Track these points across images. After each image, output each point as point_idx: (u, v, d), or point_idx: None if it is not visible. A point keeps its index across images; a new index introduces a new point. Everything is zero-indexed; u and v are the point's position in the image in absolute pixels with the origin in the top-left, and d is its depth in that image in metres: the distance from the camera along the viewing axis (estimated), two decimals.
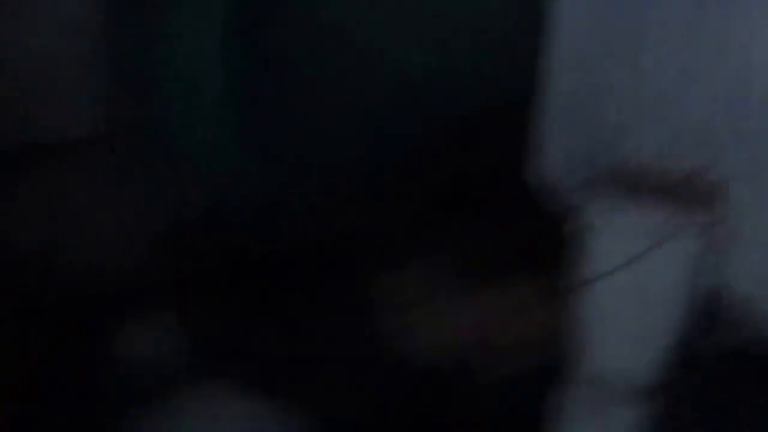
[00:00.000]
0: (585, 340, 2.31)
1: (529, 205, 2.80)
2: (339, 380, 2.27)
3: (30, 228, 2.27)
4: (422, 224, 2.42)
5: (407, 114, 2.45)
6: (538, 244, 2.49)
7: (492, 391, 2.27)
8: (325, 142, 2.30)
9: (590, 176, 2.34)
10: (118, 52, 2.59)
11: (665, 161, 2.48)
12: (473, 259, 2.40)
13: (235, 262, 2.28)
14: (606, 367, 2.31)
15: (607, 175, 2.29)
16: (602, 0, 2.64)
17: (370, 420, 2.20)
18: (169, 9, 2.37)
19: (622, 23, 2.54)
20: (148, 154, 2.41)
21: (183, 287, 2.21)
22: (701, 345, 2.26)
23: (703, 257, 2.18)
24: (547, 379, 2.06)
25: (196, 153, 2.38)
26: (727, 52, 2.25)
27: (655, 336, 2.25)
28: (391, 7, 2.28)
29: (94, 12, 2.50)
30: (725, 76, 2.26)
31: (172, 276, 2.24)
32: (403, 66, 2.37)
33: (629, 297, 2.20)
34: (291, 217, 2.31)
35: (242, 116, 2.14)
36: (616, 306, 2.24)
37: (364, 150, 2.37)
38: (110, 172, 2.35)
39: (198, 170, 2.37)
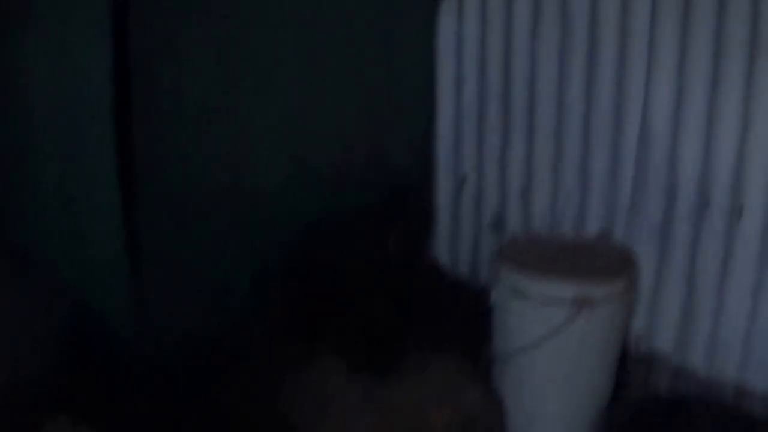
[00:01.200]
0: (512, 411, 2.31)
1: (439, 286, 2.81)
2: None
3: None
4: (331, 312, 2.35)
5: (314, 202, 2.48)
6: (453, 323, 2.48)
7: None
8: (216, 252, 2.29)
9: (493, 253, 2.37)
10: None
11: (569, 227, 2.58)
12: (389, 345, 2.34)
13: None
14: None
15: (508, 252, 2.33)
16: (494, 68, 2.71)
17: None
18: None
19: (517, 91, 2.62)
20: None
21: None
22: (621, 399, 2.35)
23: (617, 319, 2.28)
24: None
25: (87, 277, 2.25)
26: (625, 114, 2.38)
27: (579, 401, 2.30)
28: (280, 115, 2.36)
29: None
30: (625, 138, 2.39)
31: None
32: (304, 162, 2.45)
33: (551, 365, 2.23)
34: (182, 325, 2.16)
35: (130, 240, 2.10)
36: (539, 375, 2.27)
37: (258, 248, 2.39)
38: None
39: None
